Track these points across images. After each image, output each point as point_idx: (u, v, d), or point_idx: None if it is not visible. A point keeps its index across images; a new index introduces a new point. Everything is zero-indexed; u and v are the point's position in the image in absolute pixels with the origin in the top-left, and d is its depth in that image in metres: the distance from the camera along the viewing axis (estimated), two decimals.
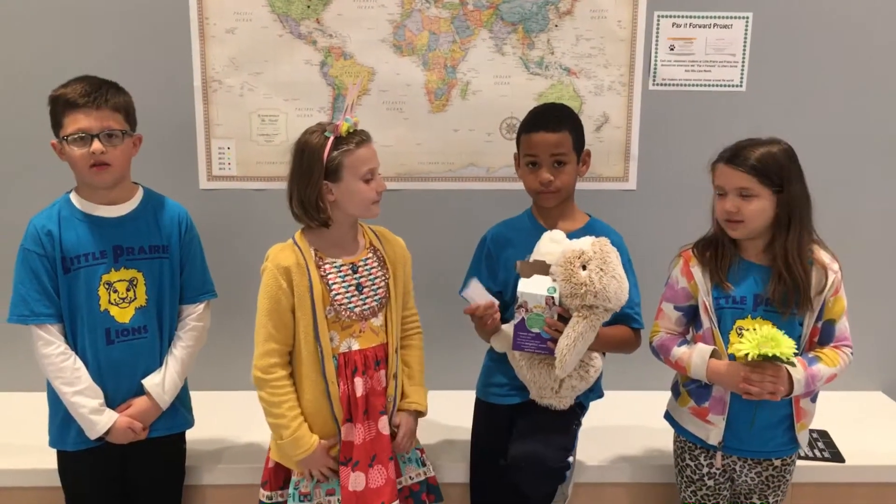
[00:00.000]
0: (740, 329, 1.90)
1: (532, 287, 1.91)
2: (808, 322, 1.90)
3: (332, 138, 1.81)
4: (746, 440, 1.95)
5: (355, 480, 1.88)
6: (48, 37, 2.48)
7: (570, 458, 2.04)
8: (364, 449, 1.89)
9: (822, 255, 1.91)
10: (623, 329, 2.03)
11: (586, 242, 1.90)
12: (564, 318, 1.92)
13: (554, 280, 1.90)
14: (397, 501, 1.92)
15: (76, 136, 1.85)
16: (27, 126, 2.43)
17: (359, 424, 1.89)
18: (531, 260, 1.95)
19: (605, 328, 1.95)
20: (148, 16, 2.48)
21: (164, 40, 2.49)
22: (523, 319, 1.92)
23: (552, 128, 2.02)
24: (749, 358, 1.79)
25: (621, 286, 1.87)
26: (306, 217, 1.86)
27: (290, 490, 1.93)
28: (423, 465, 2.06)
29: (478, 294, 1.97)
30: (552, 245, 1.94)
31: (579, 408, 2.09)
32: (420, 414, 2.02)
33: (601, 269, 1.85)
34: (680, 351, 1.97)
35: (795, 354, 1.82)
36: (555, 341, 1.90)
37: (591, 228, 2.06)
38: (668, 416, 2.11)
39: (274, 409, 1.87)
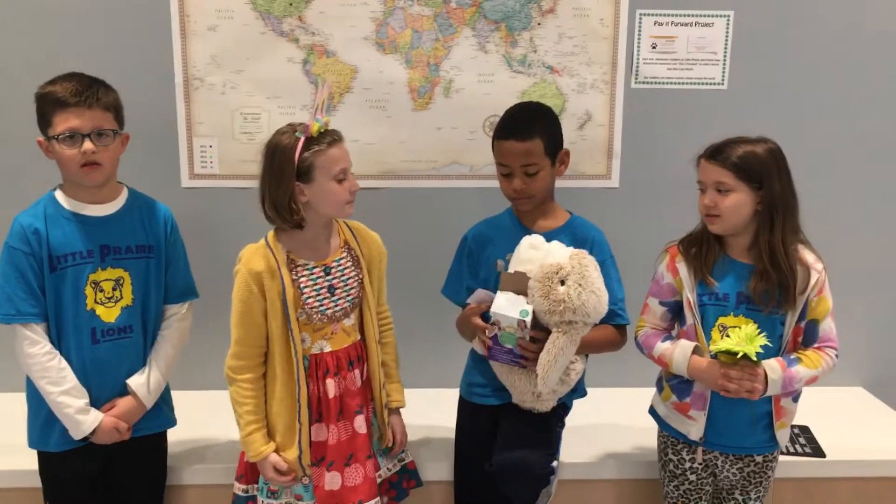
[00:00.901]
0: (723, 326, 1.91)
1: (505, 308, 1.88)
2: (790, 321, 1.91)
3: (302, 139, 1.79)
4: (727, 436, 1.96)
5: (331, 480, 1.88)
6: (27, 34, 2.45)
7: (555, 463, 2.04)
8: (339, 449, 1.89)
9: (807, 255, 1.92)
10: (606, 330, 2.02)
11: (564, 255, 1.87)
12: (542, 334, 1.89)
13: (529, 301, 1.87)
14: (377, 499, 1.92)
15: (67, 136, 1.83)
16: (6, 123, 2.41)
17: (332, 425, 1.89)
18: (511, 263, 1.94)
19: (589, 332, 1.94)
20: (129, 13, 2.46)
21: (145, 38, 2.47)
22: (497, 335, 1.91)
23: (522, 136, 1.97)
24: (717, 354, 1.83)
25: (600, 300, 1.85)
26: (279, 219, 1.84)
27: (260, 484, 1.93)
28: (402, 451, 2.07)
29: (479, 300, 1.99)
30: (531, 251, 1.92)
31: (562, 409, 2.09)
32: (400, 407, 2.06)
33: (580, 285, 1.82)
34: (663, 346, 1.98)
35: (765, 356, 1.84)
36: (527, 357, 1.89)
37: (572, 226, 2.06)
38: (652, 411, 2.12)
39: (236, 407, 1.90)
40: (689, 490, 2.05)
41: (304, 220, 1.84)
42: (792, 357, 1.91)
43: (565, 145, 2.07)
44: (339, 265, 1.92)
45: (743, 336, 1.81)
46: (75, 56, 2.34)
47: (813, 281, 1.89)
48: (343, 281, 1.91)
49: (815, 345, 1.93)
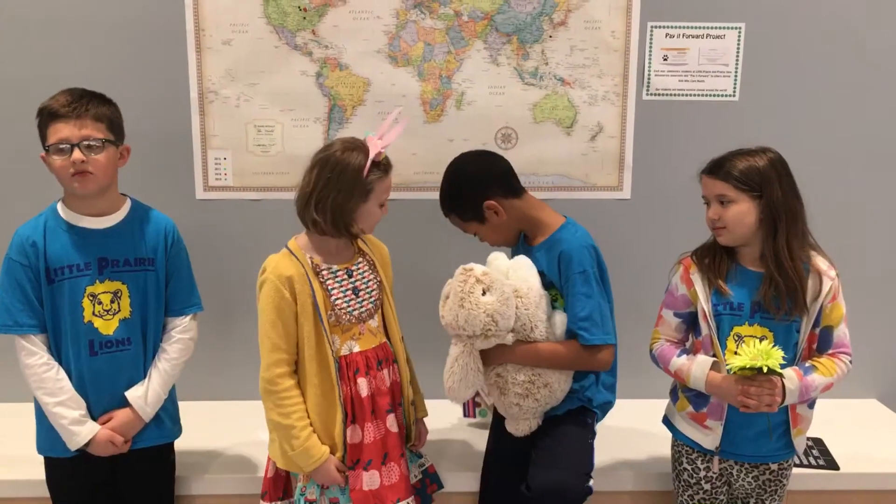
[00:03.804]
0: (738, 335, 1.92)
1: None
2: (805, 328, 1.91)
3: (370, 162, 1.85)
4: (743, 445, 1.96)
5: (370, 479, 1.89)
6: (45, 49, 2.48)
7: (591, 482, 2.01)
8: (375, 448, 1.91)
9: (819, 262, 1.92)
10: (560, 343, 2.01)
11: (503, 270, 1.98)
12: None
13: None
14: (412, 497, 1.94)
15: (57, 146, 1.86)
16: (19, 137, 2.43)
17: (368, 424, 1.90)
18: None
19: (538, 344, 1.98)
20: (145, 28, 2.49)
21: (161, 52, 2.50)
22: None
23: (446, 215, 2.16)
24: (736, 371, 1.81)
25: (470, 312, 1.89)
26: (335, 230, 1.87)
27: (296, 496, 1.94)
28: (420, 457, 2.09)
29: None
30: (489, 267, 2.00)
31: (590, 416, 2.07)
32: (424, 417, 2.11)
33: (452, 301, 1.91)
34: (680, 361, 1.98)
35: (785, 366, 1.83)
36: None
37: (551, 241, 2.06)
38: (665, 421, 2.12)
39: (283, 420, 1.86)
40: (703, 500, 2.04)
41: (363, 232, 1.93)
42: (807, 365, 1.91)
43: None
44: (359, 268, 1.96)
45: (758, 351, 1.81)
46: (91, 71, 2.37)
47: (826, 288, 1.89)
48: (364, 283, 1.96)
49: (830, 351, 1.94)
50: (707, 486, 2.03)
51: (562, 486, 1.93)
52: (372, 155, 1.85)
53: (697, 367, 1.94)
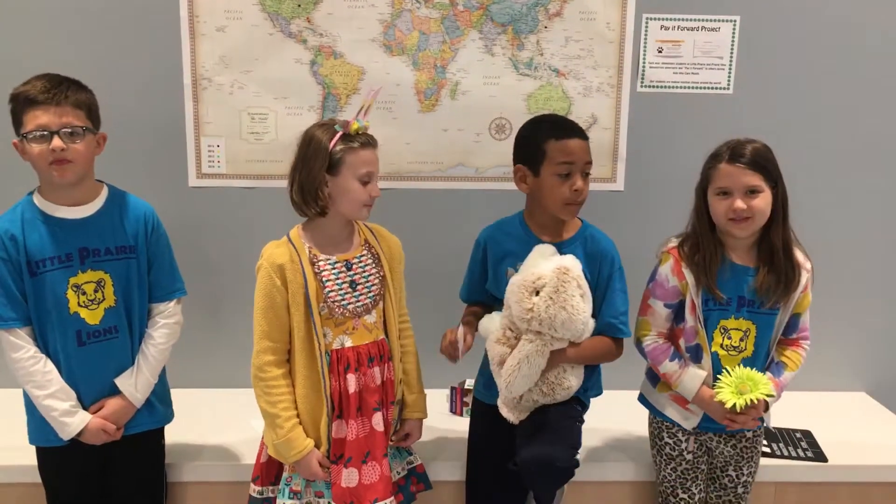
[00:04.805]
0: (724, 328, 1.96)
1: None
2: (782, 318, 1.98)
3: (340, 132, 1.84)
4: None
5: (348, 476, 1.88)
6: (39, 34, 2.46)
7: (579, 457, 2.02)
8: (357, 445, 1.89)
9: (797, 254, 1.97)
10: (600, 341, 2.01)
11: (549, 267, 1.89)
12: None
13: (506, 306, 1.93)
14: (391, 498, 1.92)
15: (36, 134, 1.82)
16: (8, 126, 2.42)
17: (352, 421, 1.89)
18: (520, 269, 1.96)
19: (586, 342, 1.96)
20: (138, 14, 2.47)
21: (155, 38, 2.49)
22: None
23: (585, 135, 2.01)
24: (736, 408, 1.87)
25: (571, 317, 1.86)
26: (304, 205, 1.86)
27: (281, 485, 1.94)
28: (410, 453, 2.08)
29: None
30: (540, 260, 1.93)
31: (580, 405, 2.08)
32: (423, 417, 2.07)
33: (551, 298, 1.86)
34: (671, 367, 2.01)
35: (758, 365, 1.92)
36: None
37: (583, 237, 2.03)
38: (642, 399, 2.16)
39: (269, 408, 1.87)
40: (686, 471, 2.08)
41: (329, 208, 1.87)
42: (777, 363, 2.00)
43: None
44: (360, 262, 1.94)
45: (737, 380, 1.88)
46: (84, 57, 2.36)
47: (804, 280, 1.96)
48: (364, 277, 1.93)
49: (793, 336, 2.02)
50: (689, 457, 2.08)
51: (549, 458, 1.93)
52: (344, 124, 1.84)
53: (689, 380, 1.99)
